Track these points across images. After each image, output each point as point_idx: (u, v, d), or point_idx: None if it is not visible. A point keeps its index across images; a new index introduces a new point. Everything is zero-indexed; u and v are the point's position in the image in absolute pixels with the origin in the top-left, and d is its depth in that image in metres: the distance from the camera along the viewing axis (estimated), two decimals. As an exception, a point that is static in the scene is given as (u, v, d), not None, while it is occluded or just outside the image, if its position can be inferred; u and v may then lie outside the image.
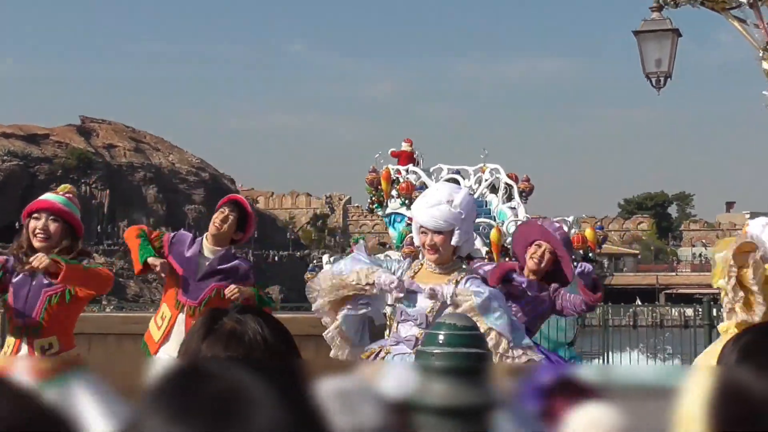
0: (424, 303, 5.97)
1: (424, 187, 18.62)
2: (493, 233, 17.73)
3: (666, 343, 25.30)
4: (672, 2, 11.46)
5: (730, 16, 11.44)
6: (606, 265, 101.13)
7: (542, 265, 7.67)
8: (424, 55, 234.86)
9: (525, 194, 20.20)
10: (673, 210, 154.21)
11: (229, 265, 7.28)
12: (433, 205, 5.95)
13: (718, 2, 11.32)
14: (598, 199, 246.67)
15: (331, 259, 20.44)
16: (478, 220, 16.64)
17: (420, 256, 6.32)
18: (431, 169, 21.37)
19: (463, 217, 5.97)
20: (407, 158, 21.65)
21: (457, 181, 19.77)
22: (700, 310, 19.97)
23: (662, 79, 11.64)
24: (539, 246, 7.69)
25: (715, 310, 19.19)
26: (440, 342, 2.66)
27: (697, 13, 11.60)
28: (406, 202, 19.65)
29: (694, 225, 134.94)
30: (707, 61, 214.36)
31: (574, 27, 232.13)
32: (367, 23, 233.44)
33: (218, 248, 7.32)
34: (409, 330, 5.99)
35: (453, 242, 5.99)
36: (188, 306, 7.17)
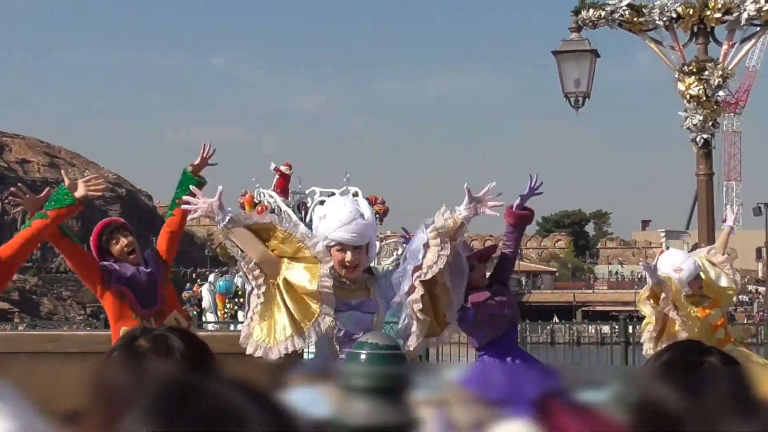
0: (365, 318, 5.94)
1: (276, 211, 19.89)
2: None
3: (583, 360, 25.52)
4: (590, 23, 11.58)
5: (647, 38, 11.59)
6: (524, 283, 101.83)
7: None
8: (348, 69, 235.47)
9: (379, 216, 21.03)
10: (590, 228, 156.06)
11: (154, 262, 7.26)
12: (349, 221, 5.92)
13: (635, 24, 11.46)
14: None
15: (219, 277, 20.97)
16: None
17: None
18: (307, 192, 22.18)
19: (373, 227, 6.06)
20: (283, 182, 22.24)
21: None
22: (616, 327, 20.20)
23: (581, 98, 11.74)
24: None
25: (631, 328, 19.42)
26: (362, 361, 2.63)
27: (616, 33, 11.74)
28: None
29: (610, 243, 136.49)
30: (626, 81, 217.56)
31: (496, 45, 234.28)
32: (291, 37, 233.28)
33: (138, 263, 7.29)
34: None
35: (369, 254, 6.05)
36: (155, 312, 7.10)
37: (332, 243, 5.94)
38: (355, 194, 22.01)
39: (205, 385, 1.32)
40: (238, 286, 21.07)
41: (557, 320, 57.72)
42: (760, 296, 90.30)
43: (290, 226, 5.88)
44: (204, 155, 7.32)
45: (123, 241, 7.14)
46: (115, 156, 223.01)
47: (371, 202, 22.16)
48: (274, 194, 21.78)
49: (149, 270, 7.15)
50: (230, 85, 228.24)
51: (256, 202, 21.49)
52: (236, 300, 20.89)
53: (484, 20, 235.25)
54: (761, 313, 64.33)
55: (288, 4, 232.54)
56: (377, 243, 6.42)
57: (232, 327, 18.20)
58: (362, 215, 5.98)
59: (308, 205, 21.91)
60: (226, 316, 20.79)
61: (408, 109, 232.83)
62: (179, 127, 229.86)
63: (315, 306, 5.77)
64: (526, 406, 3.31)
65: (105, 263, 7.11)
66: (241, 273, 6.13)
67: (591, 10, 11.50)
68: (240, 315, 20.67)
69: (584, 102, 11.75)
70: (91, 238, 7.33)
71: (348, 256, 5.91)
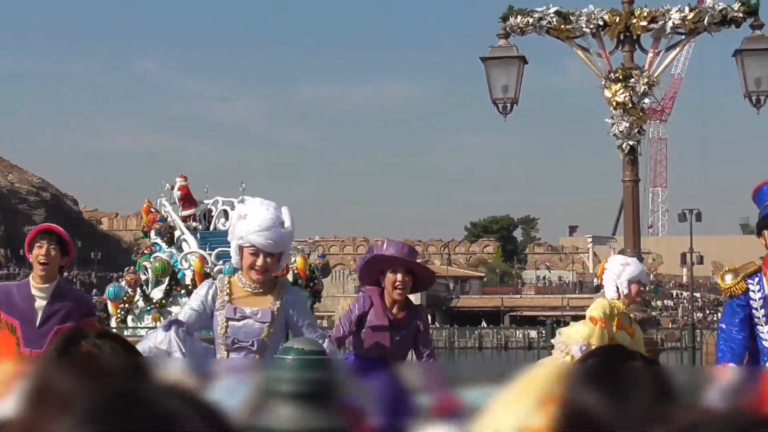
0: (257, 327, 5.91)
1: (163, 219, 20.93)
2: (197, 263, 20.31)
3: (510, 365, 25.74)
4: (518, 30, 11.64)
5: (575, 45, 11.68)
6: (452, 288, 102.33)
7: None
8: (273, 77, 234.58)
9: None
10: (518, 233, 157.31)
11: (67, 301, 6.68)
12: (269, 228, 5.90)
13: (562, 31, 11.55)
14: (444, 223, 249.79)
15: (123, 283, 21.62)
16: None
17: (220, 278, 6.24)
18: (210, 201, 22.93)
19: (291, 237, 6.08)
20: (186, 192, 22.92)
21: (226, 213, 22.27)
22: (543, 331, 20.35)
23: (509, 105, 11.79)
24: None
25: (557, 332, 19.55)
26: (287, 367, 2.62)
27: (546, 40, 11.82)
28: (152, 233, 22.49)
29: (538, 248, 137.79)
30: (555, 87, 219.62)
31: (424, 52, 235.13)
32: (217, 44, 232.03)
33: (47, 285, 6.64)
34: (244, 357, 5.90)
35: (281, 262, 6.06)
36: (35, 357, 6.69)
37: (247, 245, 5.94)
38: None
39: (143, 391, 1.33)
40: (128, 292, 21.39)
41: (485, 325, 58.15)
42: (684, 301, 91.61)
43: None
44: None
45: (39, 250, 6.55)
46: (39, 161, 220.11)
47: None
48: (167, 206, 22.36)
49: (55, 307, 6.58)
50: (157, 91, 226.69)
51: (152, 211, 22.18)
52: (124, 306, 21.19)
53: (411, 28, 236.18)
54: (685, 318, 65.24)
55: (215, 10, 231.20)
56: (290, 252, 6.43)
57: (125, 332, 18.18)
58: (282, 224, 5.98)
59: (213, 213, 22.67)
60: (119, 321, 20.90)
61: (333, 116, 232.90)
62: (105, 133, 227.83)
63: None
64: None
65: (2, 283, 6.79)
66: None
67: (519, 17, 11.56)
68: (129, 320, 21.01)
69: (512, 108, 11.81)
70: (25, 242, 6.92)
71: (260, 260, 5.92)
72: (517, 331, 37.11)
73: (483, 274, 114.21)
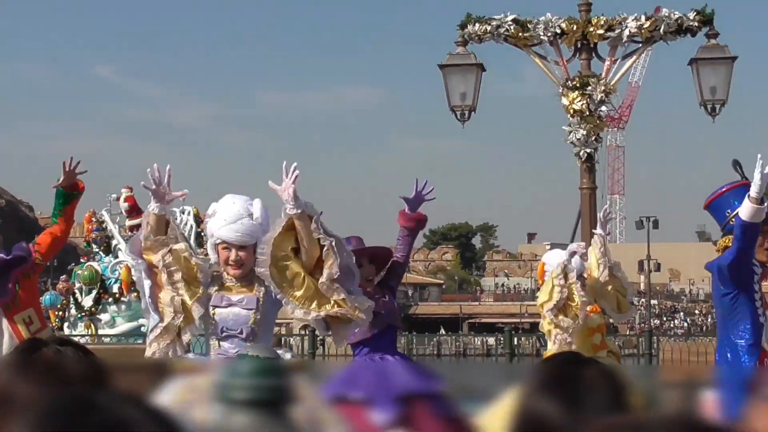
0: (244, 314, 5.91)
1: (100, 229, 21.78)
2: (123, 271, 20.74)
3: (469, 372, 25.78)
4: (476, 37, 11.69)
5: (532, 53, 11.76)
6: (410, 295, 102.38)
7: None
8: (232, 83, 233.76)
9: (205, 234, 22.55)
10: (476, 241, 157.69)
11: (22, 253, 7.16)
12: (235, 221, 5.92)
13: (520, 39, 11.61)
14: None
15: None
16: None
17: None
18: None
19: (263, 228, 5.98)
20: (132, 202, 23.68)
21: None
22: (501, 339, 20.41)
23: (467, 112, 11.84)
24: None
25: (516, 339, 19.65)
26: (243, 374, 2.61)
27: (505, 48, 11.86)
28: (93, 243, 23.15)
29: (497, 255, 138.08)
30: (514, 94, 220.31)
31: (382, 58, 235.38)
32: (175, 49, 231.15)
33: None
34: (236, 345, 5.90)
35: (257, 255, 5.98)
36: (2, 304, 6.96)
37: (218, 241, 5.99)
38: (196, 213, 23.79)
39: (98, 398, 1.33)
40: (64, 300, 22.13)
41: (444, 332, 58.22)
42: (641, 308, 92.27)
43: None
44: (68, 170, 7.29)
45: None
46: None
47: (199, 219, 24.12)
48: (105, 215, 22.88)
49: (7, 257, 7.03)
50: (113, 96, 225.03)
51: (93, 220, 22.89)
52: (59, 314, 21.85)
53: (369, 34, 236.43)
54: (642, 325, 65.65)
55: (169, 15, 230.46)
56: None
57: None
58: (251, 215, 5.97)
59: None
60: (56, 329, 21.25)
61: (290, 122, 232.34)
62: (60, 138, 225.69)
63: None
64: (389, 403, 3.30)
65: None
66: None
67: (477, 25, 11.61)
68: (65, 327, 21.57)
69: (470, 115, 11.86)
70: None
71: (232, 254, 5.93)
72: (476, 339, 37.10)
73: (442, 282, 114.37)
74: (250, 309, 5.95)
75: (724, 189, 6.86)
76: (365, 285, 6.77)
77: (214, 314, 5.96)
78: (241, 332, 5.91)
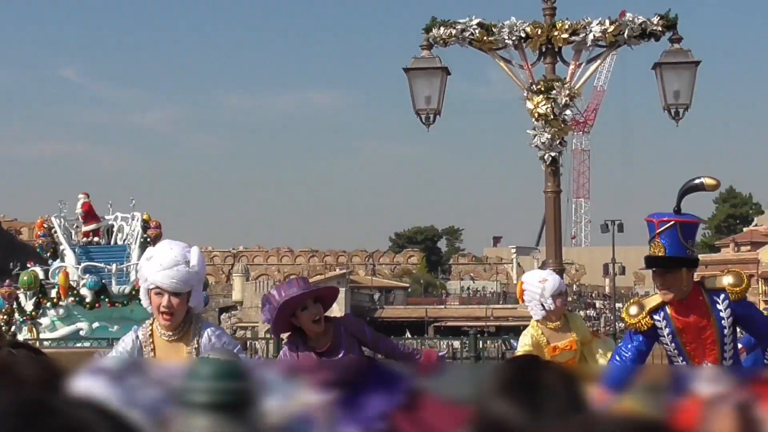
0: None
1: (47, 234, 22.48)
2: (61, 276, 21.90)
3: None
4: (441, 41, 11.71)
5: (497, 57, 11.78)
6: (376, 298, 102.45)
7: None
8: (195, 85, 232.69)
9: (151, 240, 23.47)
10: (442, 244, 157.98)
11: None
12: (170, 266, 5.73)
13: (485, 43, 11.63)
14: (369, 233, 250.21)
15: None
16: (121, 266, 23.19)
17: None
18: (112, 217, 24.56)
19: (199, 277, 5.84)
20: (88, 209, 24.28)
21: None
22: (467, 342, 20.46)
23: (432, 115, 11.85)
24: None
25: (481, 343, 19.70)
26: (203, 377, 2.59)
27: (471, 51, 11.88)
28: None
29: (462, 259, 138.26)
30: (480, 98, 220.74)
31: (346, 62, 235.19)
32: (139, 51, 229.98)
33: None
34: None
35: (191, 303, 5.84)
36: None
37: (151, 286, 5.78)
38: (147, 219, 24.19)
39: (53, 400, 1.33)
40: (7, 304, 22.83)
41: (409, 335, 58.29)
42: (606, 311, 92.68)
43: None
44: None
45: None
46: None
47: (147, 225, 24.80)
48: (54, 222, 23.44)
49: None
50: (75, 99, 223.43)
51: (45, 227, 23.56)
52: (4, 317, 22.40)
53: (333, 37, 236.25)
54: (607, 328, 65.95)
55: (134, 17, 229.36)
56: (204, 293, 6.20)
57: None
58: (187, 262, 5.79)
59: (114, 228, 23.95)
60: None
61: (255, 126, 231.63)
62: (23, 141, 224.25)
63: None
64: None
65: None
66: None
67: (442, 28, 11.63)
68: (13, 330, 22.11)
69: (435, 119, 11.87)
70: None
71: (164, 301, 5.73)
72: (442, 342, 37.13)
73: (407, 285, 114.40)
74: None
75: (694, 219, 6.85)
76: (314, 329, 6.30)
77: None
78: None
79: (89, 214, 24.10)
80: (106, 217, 24.53)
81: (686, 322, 6.54)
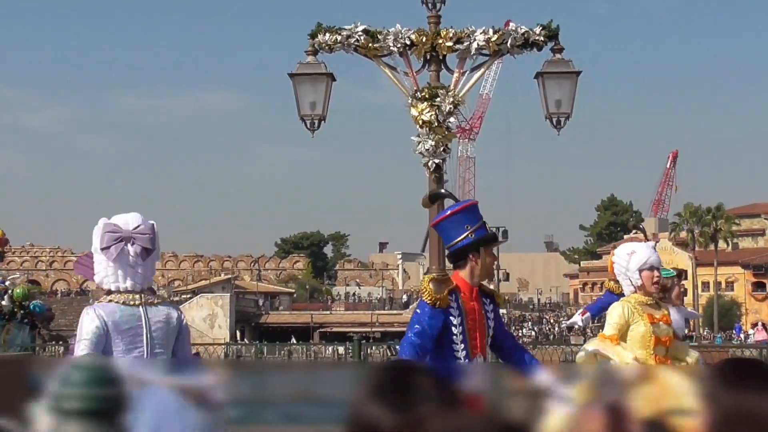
0: None
1: None
2: None
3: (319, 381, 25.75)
4: (326, 47, 11.71)
5: (382, 64, 11.82)
6: (262, 304, 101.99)
7: None
8: (87, 86, 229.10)
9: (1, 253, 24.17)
10: (328, 249, 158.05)
11: None
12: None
13: (370, 49, 11.66)
14: (254, 239, 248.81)
15: None
16: None
17: None
18: None
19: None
20: None
21: None
22: (351, 348, 20.46)
23: (316, 121, 11.84)
24: None
25: (366, 349, 19.74)
26: (75, 383, 2.56)
27: (361, 57, 11.89)
28: None
29: (348, 264, 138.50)
30: (369, 104, 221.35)
31: (237, 65, 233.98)
32: (30, 50, 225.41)
33: None
34: None
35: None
36: None
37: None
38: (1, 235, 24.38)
39: None
40: None
41: (295, 341, 58.26)
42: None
43: None
44: None
45: None
46: None
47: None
48: None
49: None
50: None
51: None
52: None
53: (226, 40, 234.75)
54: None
55: (25, 15, 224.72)
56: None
57: None
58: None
59: None
60: None
61: (149, 127, 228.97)
62: None
63: None
64: None
65: None
66: None
67: (327, 35, 11.63)
68: None
69: (320, 125, 11.86)
70: None
71: None
72: (327, 347, 37.16)
73: (293, 290, 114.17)
74: None
75: (449, 212, 7.00)
76: None
77: None
78: None
79: None
80: None
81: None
